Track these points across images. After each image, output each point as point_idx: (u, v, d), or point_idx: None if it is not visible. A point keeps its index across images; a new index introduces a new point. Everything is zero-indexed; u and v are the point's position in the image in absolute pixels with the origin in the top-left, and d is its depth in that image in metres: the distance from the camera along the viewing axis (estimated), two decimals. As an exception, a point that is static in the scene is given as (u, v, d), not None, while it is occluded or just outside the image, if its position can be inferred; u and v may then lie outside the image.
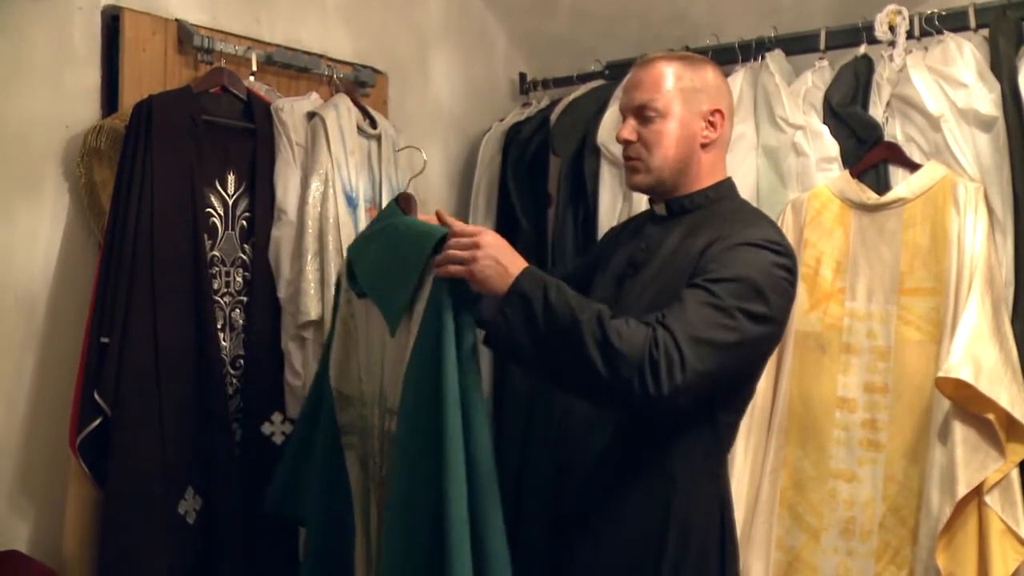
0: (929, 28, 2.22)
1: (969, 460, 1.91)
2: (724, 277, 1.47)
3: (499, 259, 1.48)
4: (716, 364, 1.43)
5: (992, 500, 1.90)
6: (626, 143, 1.68)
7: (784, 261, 1.53)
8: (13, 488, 2.02)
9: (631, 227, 1.86)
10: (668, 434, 1.58)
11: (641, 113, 1.66)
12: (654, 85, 1.66)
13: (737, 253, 1.51)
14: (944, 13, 2.21)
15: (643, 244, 1.73)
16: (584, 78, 2.84)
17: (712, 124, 1.67)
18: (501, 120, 2.93)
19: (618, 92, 1.80)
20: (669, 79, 1.65)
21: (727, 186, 1.72)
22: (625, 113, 1.70)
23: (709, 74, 1.68)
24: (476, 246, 1.47)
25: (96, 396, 1.90)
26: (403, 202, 1.80)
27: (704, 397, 1.49)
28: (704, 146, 1.67)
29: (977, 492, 1.92)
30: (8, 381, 2.00)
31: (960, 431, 1.93)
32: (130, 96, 2.10)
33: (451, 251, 1.49)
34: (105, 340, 1.92)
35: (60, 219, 2.08)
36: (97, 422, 1.90)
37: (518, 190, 2.74)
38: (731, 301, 1.45)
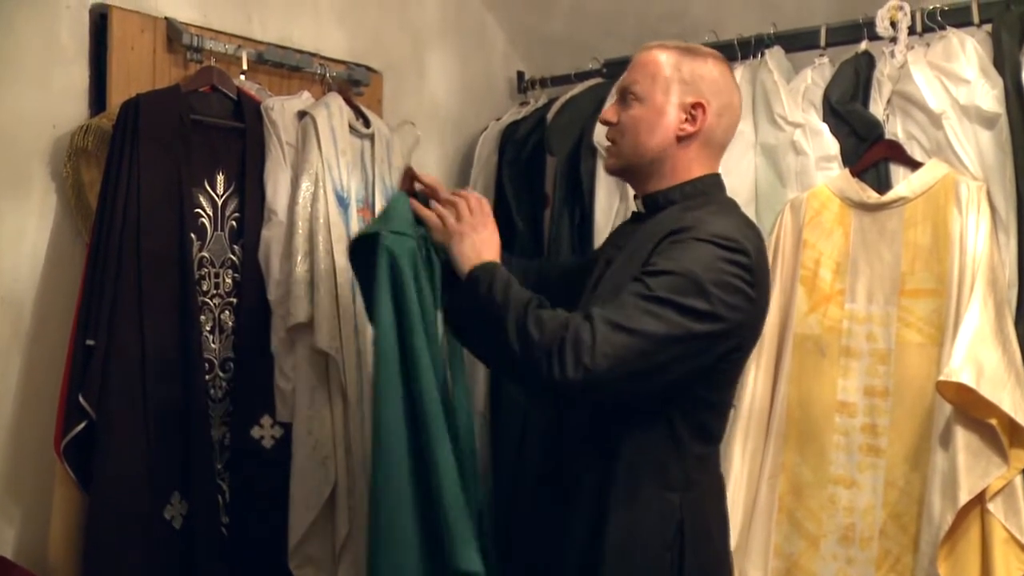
0: (931, 23, 2.18)
1: (971, 466, 1.87)
2: (662, 270, 1.44)
3: (476, 240, 1.59)
4: (633, 351, 1.39)
5: (995, 507, 1.86)
6: (606, 124, 1.67)
7: (735, 257, 1.47)
8: (1, 492, 1.99)
9: (619, 228, 1.84)
10: (615, 445, 1.54)
11: (624, 96, 1.65)
12: (641, 69, 1.63)
13: (682, 248, 1.47)
14: (946, 8, 2.17)
15: (619, 243, 1.70)
16: (582, 76, 2.80)
17: (692, 117, 1.61)
18: (498, 119, 2.90)
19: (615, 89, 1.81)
20: (657, 65, 1.62)
21: (708, 182, 1.65)
22: (616, 95, 1.69)
23: (707, 68, 1.62)
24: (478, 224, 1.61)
25: (81, 399, 1.87)
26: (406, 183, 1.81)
27: (631, 389, 1.45)
28: (681, 139, 1.61)
29: (980, 499, 1.87)
30: (-6, 383, 1.99)
31: (962, 436, 1.89)
32: (118, 95, 2.07)
33: (457, 209, 1.62)
34: (91, 342, 1.89)
35: (47, 220, 2.05)
36: (82, 426, 1.87)
37: (514, 190, 2.71)
38: (662, 293, 1.41)
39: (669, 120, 1.60)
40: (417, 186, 1.74)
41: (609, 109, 1.67)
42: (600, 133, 2.50)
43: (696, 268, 1.43)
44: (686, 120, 1.61)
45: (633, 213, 1.73)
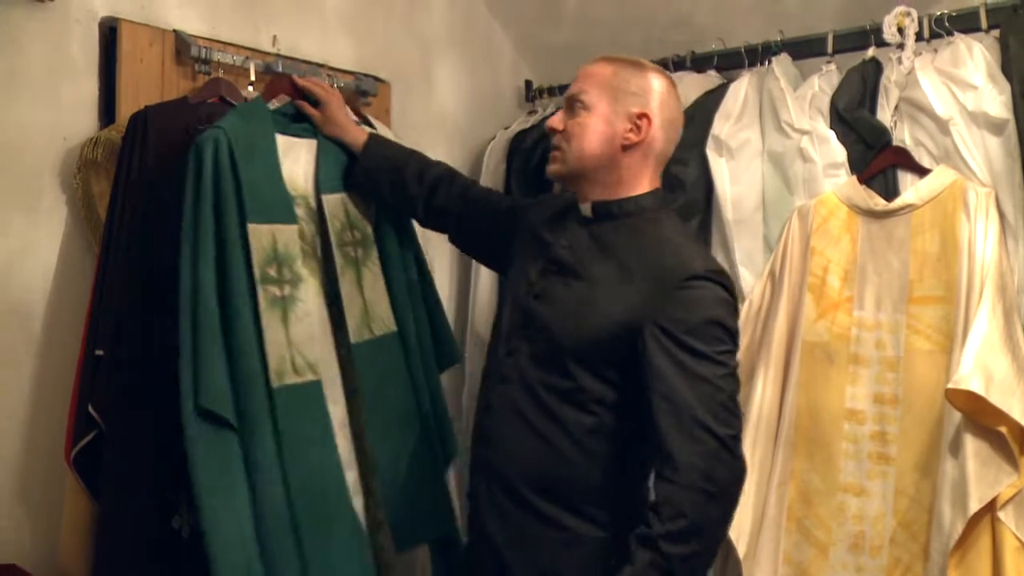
0: (939, 29, 2.17)
1: (981, 474, 1.86)
2: (694, 323, 1.54)
3: None
4: (736, 411, 1.55)
5: (1006, 516, 1.84)
6: (551, 131, 1.71)
7: (728, 286, 1.61)
8: (13, 501, 2.00)
9: (552, 214, 1.83)
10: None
11: (570, 104, 1.69)
12: (588, 78, 1.69)
13: (691, 294, 1.56)
14: (954, 14, 2.16)
15: (565, 242, 1.73)
16: (589, 85, 2.80)
17: (637, 127, 1.66)
18: (506, 128, 2.90)
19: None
20: (604, 76, 1.67)
21: (658, 197, 1.73)
22: (564, 101, 1.73)
23: (653, 81, 1.69)
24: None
25: (91, 409, 1.88)
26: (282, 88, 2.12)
27: None
28: (625, 148, 1.67)
29: (990, 508, 1.86)
30: (6, 394, 1.99)
31: (972, 444, 1.88)
32: (127, 107, 2.08)
33: None
34: (100, 352, 1.91)
35: (58, 232, 2.07)
36: (92, 435, 1.89)
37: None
38: (709, 349, 1.53)
39: (615, 128, 1.66)
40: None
41: (555, 117, 1.72)
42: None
43: (716, 312, 1.56)
44: (631, 130, 1.66)
45: (578, 213, 1.75)
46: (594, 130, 1.66)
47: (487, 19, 3.07)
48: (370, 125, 2.43)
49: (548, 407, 1.65)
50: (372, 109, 2.56)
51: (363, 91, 2.55)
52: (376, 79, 2.62)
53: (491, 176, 2.82)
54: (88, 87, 2.11)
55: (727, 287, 1.61)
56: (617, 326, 1.59)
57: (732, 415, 1.53)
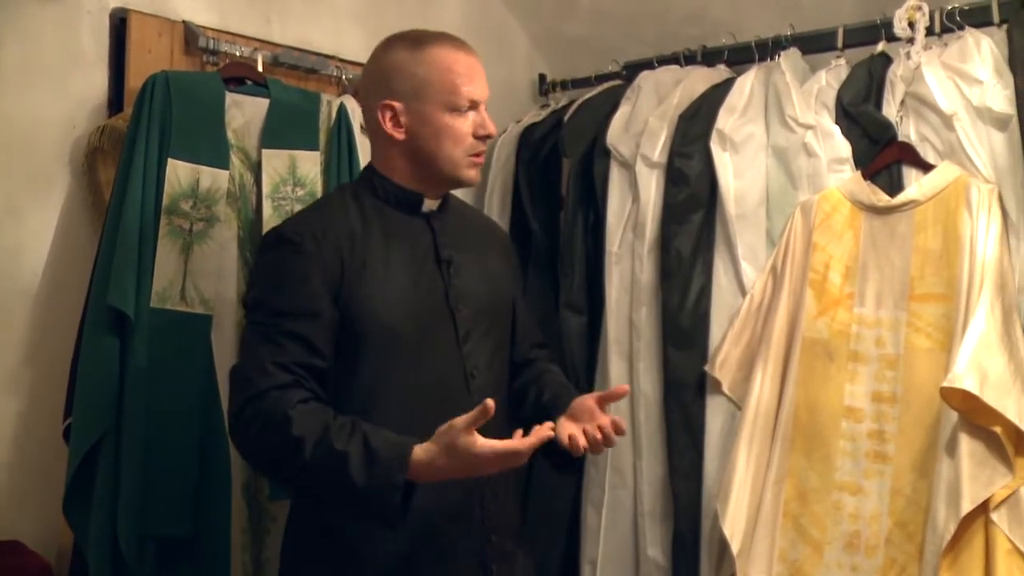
0: (950, 24, 2.13)
1: (976, 475, 1.82)
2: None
3: None
4: None
5: (999, 518, 1.80)
6: (490, 136, 1.67)
7: None
8: (15, 478, 2.06)
9: (383, 228, 1.64)
10: None
11: (479, 107, 1.65)
12: (484, 79, 1.68)
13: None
14: (966, 8, 2.12)
15: (443, 238, 1.68)
16: (601, 79, 2.79)
17: None
18: (517, 122, 2.90)
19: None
20: None
21: None
22: (476, 103, 1.63)
23: None
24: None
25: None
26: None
27: None
28: None
29: (984, 509, 1.82)
30: (12, 374, 2.05)
31: (967, 444, 1.84)
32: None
33: None
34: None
35: (66, 217, 2.13)
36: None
37: (530, 192, 2.70)
38: None
39: None
40: None
41: (490, 121, 1.66)
42: (614, 135, 2.51)
43: None
44: None
45: (417, 210, 1.68)
46: None
47: (502, 12, 3.08)
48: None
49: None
50: (382, 101, 2.57)
51: (372, 83, 2.56)
52: (386, 71, 2.63)
53: (501, 170, 2.82)
54: (98, 77, 2.17)
55: None
56: (512, 288, 1.81)
57: None
